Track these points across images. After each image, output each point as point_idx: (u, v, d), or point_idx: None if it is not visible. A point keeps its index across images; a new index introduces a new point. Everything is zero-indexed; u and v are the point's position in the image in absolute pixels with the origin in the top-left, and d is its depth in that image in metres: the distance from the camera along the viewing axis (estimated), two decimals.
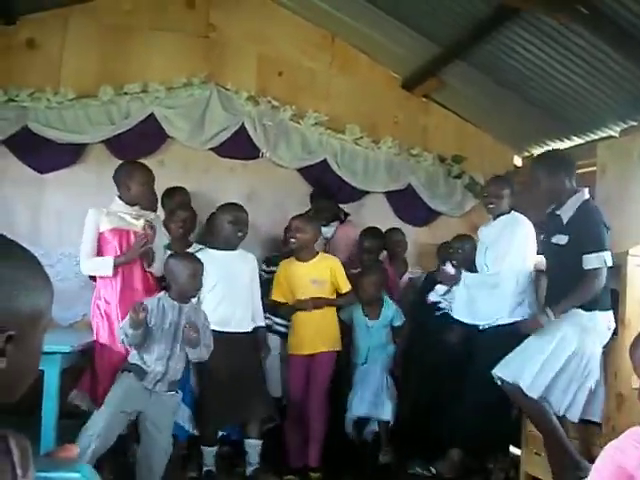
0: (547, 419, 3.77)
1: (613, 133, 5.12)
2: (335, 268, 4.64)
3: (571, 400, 3.72)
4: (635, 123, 4.84)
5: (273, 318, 4.79)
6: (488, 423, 4.27)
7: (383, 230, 5.45)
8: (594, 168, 4.81)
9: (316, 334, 4.54)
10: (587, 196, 3.85)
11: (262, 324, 4.47)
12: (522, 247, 4.37)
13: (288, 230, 4.71)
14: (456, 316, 4.46)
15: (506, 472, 4.54)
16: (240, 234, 4.38)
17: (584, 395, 3.72)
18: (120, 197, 4.27)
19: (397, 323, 4.92)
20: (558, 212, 3.87)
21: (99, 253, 4.21)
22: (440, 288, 4.61)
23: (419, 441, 4.72)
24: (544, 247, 4.10)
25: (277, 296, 4.64)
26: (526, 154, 6.28)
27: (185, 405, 4.21)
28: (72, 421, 3.87)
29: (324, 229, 5.29)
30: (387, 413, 4.70)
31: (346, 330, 4.81)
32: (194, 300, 3.90)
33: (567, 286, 3.74)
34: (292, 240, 4.58)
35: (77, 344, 3.94)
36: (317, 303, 4.54)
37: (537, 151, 6.10)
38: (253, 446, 4.23)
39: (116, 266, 4.12)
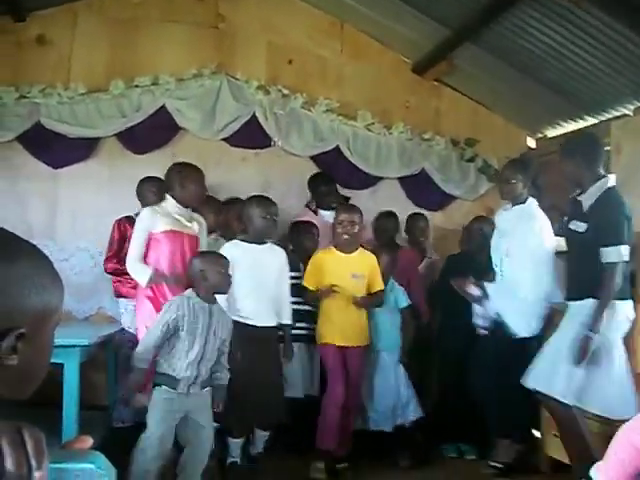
0: (579, 426, 3.71)
1: (627, 112, 5.07)
2: (374, 265, 4.57)
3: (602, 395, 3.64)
4: None
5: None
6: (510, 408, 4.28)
7: (404, 215, 5.48)
8: (608, 148, 4.77)
9: (349, 327, 4.49)
10: (612, 184, 3.77)
11: (289, 322, 4.40)
12: (537, 241, 4.29)
13: (337, 223, 4.55)
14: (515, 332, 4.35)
15: (524, 455, 4.49)
16: (272, 228, 4.35)
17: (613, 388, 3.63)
18: (173, 197, 4.21)
19: (402, 305, 4.81)
20: (580, 198, 3.81)
21: (151, 253, 4.16)
22: (478, 309, 4.51)
23: (451, 426, 4.77)
24: (564, 231, 4.03)
25: (309, 283, 4.53)
26: (539, 136, 6.24)
27: None
28: (93, 413, 3.92)
29: (327, 213, 5.28)
30: (412, 413, 4.68)
31: None
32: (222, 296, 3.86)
33: (583, 273, 3.72)
34: (344, 234, 4.47)
35: (95, 337, 3.98)
36: (364, 301, 4.49)
37: (550, 132, 6.06)
38: (260, 436, 4.27)
39: (150, 282, 4.08)
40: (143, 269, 4.09)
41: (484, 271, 4.58)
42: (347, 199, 5.59)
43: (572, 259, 3.95)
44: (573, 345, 3.58)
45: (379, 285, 4.57)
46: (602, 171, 3.85)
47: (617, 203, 3.72)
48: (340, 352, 4.45)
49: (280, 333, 4.39)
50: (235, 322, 3.96)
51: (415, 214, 5.65)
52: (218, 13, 5.81)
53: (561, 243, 4.19)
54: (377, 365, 4.73)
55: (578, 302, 3.73)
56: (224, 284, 3.70)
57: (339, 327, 4.46)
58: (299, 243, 5.01)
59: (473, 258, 5.00)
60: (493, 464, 4.40)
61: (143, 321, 4.10)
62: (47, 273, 1.07)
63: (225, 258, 3.78)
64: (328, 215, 5.26)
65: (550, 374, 3.71)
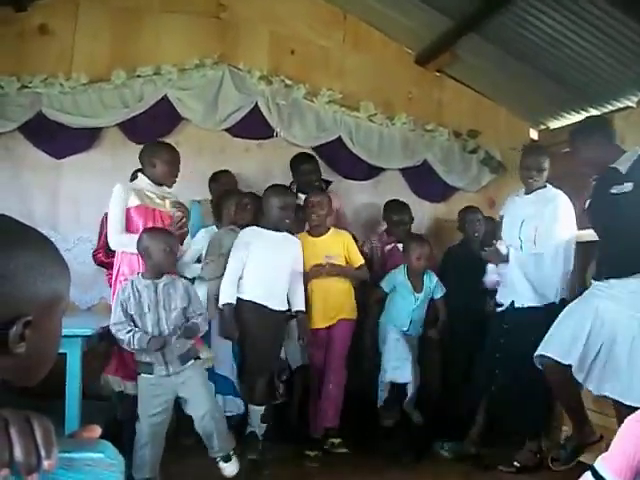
0: (573, 389, 3.73)
1: (630, 104, 5.06)
2: (348, 243, 4.75)
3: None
4: None
5: None
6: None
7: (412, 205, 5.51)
8: None
9: (333, 304, 4.65)
10: None
11: (303, 308, 4.50)
12: (568, 223, 4.30)
13: (306, 207, 4.74)
14: (518, 304, 4.37)
15: (537, 454, 4.46)
16: (288, 220, 4.43)
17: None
18: (145, 175, 4.20)
19: (438, 295, 4.91)
20: (614, 165, 3.70)
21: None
22: (492, 268, 4.55)
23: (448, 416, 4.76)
24: (597, 204, 3.85)
25: None
26: (542, 127, 6.22)
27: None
28: (95, 402, 3.93)
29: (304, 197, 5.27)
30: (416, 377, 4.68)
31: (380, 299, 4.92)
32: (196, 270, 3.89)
33: (628, 237, 3.57)
34: (313, 216, 4.69)
35: (97, 326, 3.97)
36: (332, 269, 4.61)
37: (553, 124, 6.05)
38: (255, 411, 4.30)
39: None
40: (131, 237, 3.93)
41: (482, 260, 4.63)
42: (328, 183, 5.56)
43: (612, 230, 3.73)
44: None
45: (359, 260, 4.76)
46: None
47: None
48: (324, 333, 4.64)
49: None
50: (248, 302, 4.22)
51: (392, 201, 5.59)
52: (220, 3, 5.79)
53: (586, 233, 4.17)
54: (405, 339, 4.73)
55: (624, 279, 3.57)
56: (167, 263, 3.67)
57: (321, 309, 4.63)
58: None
59: (471, 247, 5.05)
60: (514, 462, 4.38)
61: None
62: (54, 261, 1.07)
63: (171, 236, 3.75)
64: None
65: (569, 345, 3.63)
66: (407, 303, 4.83)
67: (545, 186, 4.45)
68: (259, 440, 4.26)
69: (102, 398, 4.29)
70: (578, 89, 5.35)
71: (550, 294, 4.29)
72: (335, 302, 4.67)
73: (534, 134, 6.31)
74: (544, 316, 4.09)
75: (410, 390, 4.56)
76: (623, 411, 3.17)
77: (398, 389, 4.61)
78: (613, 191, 3.66)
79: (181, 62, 5.58)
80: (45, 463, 0.80)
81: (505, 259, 4.42)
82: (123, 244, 4.06)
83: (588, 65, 4.96)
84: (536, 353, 3.77)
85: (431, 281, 4.90)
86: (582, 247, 4.34)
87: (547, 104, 5.91)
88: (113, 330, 3.59)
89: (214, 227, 4.80)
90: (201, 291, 4.29)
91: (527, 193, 4.50)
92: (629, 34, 4.37)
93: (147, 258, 3.66)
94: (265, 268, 4.33)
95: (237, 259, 4.33)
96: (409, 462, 4.48)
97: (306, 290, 4.60)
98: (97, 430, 0.93)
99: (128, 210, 4.08)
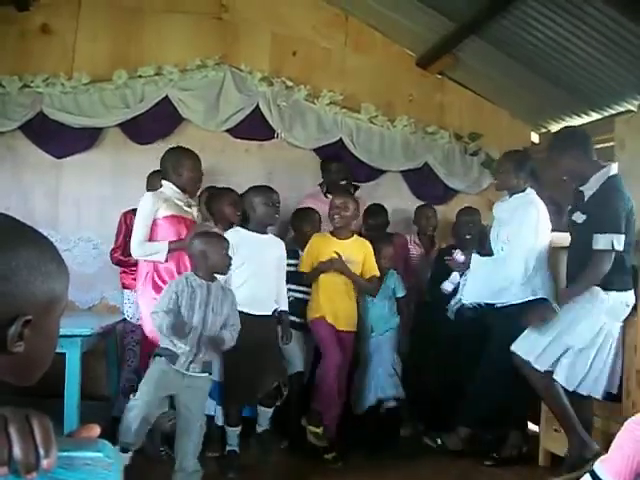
0: (554, 393, 3.80)
1: (631, 107, 5.06)
2: (369, 252, 4.69)
3: (583, 376, 3.74)
4: None
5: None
6: (502, 400, 4.30)
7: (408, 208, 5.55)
8: (612, 143, 4.76)
9: (340, 309, 4.59)
10: (613, 172, 3.75)
11: (286, 309, 4.45)
12: (533, 227, 4.28)
13: (330, 208, 4.68)
14: (465, 300, 4.49)
15: (519, 448, 4.52)
16: (275, 215, 4.38)
17: (605, 372, 3.72)
18: (172, 182, 4.23)
19: (400, 294, 4.95)
20: (582, 189, 3.80)
21: (154, 239, 4.16)
22: (455, 276, 4.63)
23: (435, 416, 4.79)
24: (568, 224, 4.03)
25: (305, 268, 4.65)
26: (543, 130, 6.23)
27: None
28: (95, 402, 3.93)
29: None
30: (401, 391, 4.74)
31: None
32: (221, 278, 3.88)
33: (581, 265, 3.72)
34: (336, 218, 4.62)
35: (97, 327, 3.98)
36: (340, 267, 4.54)
37: (554, 127, 6.05)
38: (264, 412, 4.31)
39: (170, 252, 4.12)
40: (154, 246, 4.10)
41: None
42: (356, 188, 5.57)
43: (573, 250, 3.96)
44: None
45: (374, 271, 4.68)
46: (601, 161, 3.85)
47: (616, 192, 3.70)
48: (331, 329, 4.55)
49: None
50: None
51: (423, 205, 5.71)
52: (221, 3, 5.79)
53: (557, 238, 4.21)
54: (374, 351, 4.82)
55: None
56: (224, 265, 3.73)
57: (330, 306, 4.57)
58: (300, 229, 5.05)
59: (462, 248, 5.03)
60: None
61: (147, 308, 4.07)
62: (53, 260, 1.07)
63: (226, 240, 3.82)
64: None
65: (534, 341, 3.81)
66: (365, 304, 4.84)
67: (524, 191, 4.42)
68: (238, 458, 4.25)
69: (101, 398, 4.31)
70: (579, 92, 5.35)
71: (507, 295, 4.30)
72: (345, 308, 4.62)
73: (535, 137, 6.32)
74: (504, 315, 4.25)
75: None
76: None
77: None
78: (573, 217, 3.85)
79: (183, 63, 5.59)
80: (44, 462, 0.80)
81: (464, 267, 4.54)
82: (146, 253, 4.13)
83: (589, 68, 4.96)
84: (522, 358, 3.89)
85: (390, 279, 4.91)
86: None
87: (548, 107, 5.92)
88: (156, 318, 3.56)
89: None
90: None
91: (510, 196, 4.51)
92: (631, 38, 4.37)
93: (202, 260, 3.67)
94: (251, 271, 4.26)
95: None
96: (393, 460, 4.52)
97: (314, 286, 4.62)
98: (96, 429, 0.92)
99: (158, 220, 4.14)
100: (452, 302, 4.65)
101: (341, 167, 5.53)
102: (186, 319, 3.56)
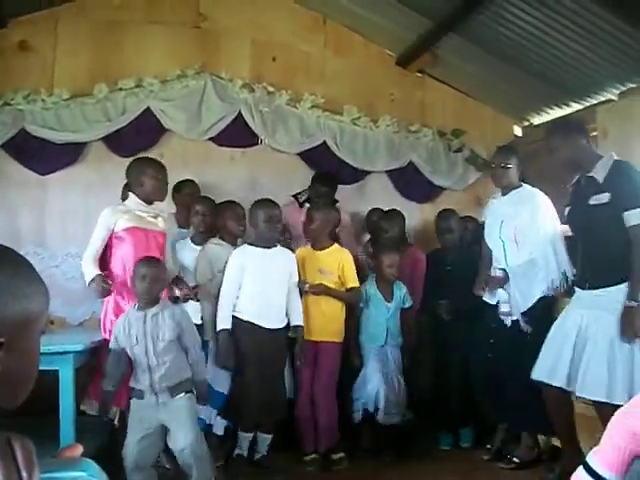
0: (568, 414, 3.78)
1: (612, 97, 5.09)
2: (345, 262, 4.63)
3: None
4: (634, 85, 4.81)
5: None
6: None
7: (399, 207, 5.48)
8: (595, 133, 4.77)
9: (323, 323, 4.54)
10: (616, 157, 3.69)
11: (301, 323, 4.42)
12: (549, 215, 4.23)
13: (306, 219, 4.73)
14: (521, 310, 4.30)
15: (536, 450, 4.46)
16: (274, 232, 4.39)
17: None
18: (135, 194, 4.16)
19: (407, 304, 4.85)
20: (590, 174, 3.70)
21: (116, 252, 4.09)
22: (503, 294, 4.39)
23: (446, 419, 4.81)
24: (576, 214, 3.87)
25: None
26: (526, 123, 6.25)
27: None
28: (90, 418, 3.91)
29: None
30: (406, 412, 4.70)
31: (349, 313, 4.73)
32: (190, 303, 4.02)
33: (610, 247, 3.59)
34: (310, 229, 4.68)
35: (89, 342, 3.95)
36: (315, 289, 4.50)
37: (536, 120, 6.07)
38: (263, 438, 4.32)
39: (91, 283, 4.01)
40: (90, 270, 3.98)
41: (460, 264, 4.77)
42: (335, 201, 5.46)
43: (594, 235, 3.73)
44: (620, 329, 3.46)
45: (352, 282, 4.63)
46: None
47: (632, 169, 3.63)
48: (313, 348, 4.52)
49: (289, 335, 4.44)
50: (244, 321, 4.22)
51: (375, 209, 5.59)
52: (199, 12, 5.79)
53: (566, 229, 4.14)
54: (383, 356, 4.72)
55: (608, 288, 3.59)
56: (150, 291, 3.68)
57: (311, 322, 4.51)
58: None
59: (447, 253, 5.03)
60: (514, 459, 4.35)
61: (107, 314, 4.08)
62: (26, 279, 1.06)
63: (158, 264, 3.79)
64: None
65: (554, 366, 3.69)
66: (380, 314, 4.75)
67: (520, 185, 4.40)
68: (245, 463, 4.28)
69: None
70: (560, 84, 5.38)
71: (537, 293, 4.23)
72: (324, 319, 4.55)
73: (518, 130, 6.34)
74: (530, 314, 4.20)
75: (381, 402, 4.56)
76: (605, 411, 3.18)
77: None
78: (592, 202, 3.67)
79: (163, 73, 5.58)
80: None
81: (504, 280, 4.36)
82: (85, 269, 4.04)
83: (569, 60, 4.99)
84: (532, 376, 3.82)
85: (400, 290, 4.84)
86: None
87: (530, 100, 5.94)
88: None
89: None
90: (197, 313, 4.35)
91: (504, 195, 4.46)
92: (607, 28, 4.39)
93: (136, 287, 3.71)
94: (259, 287, 4.28)
95: (232, 281, 4.30)
96: (390, 461, 4.52)
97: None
98: (79, 448, 0.92)
99: (119, 232, 4.07)
100: (503, 317, 4.39)
101: (330, 191, 5.44)
102: (130, 354, 3.64)
